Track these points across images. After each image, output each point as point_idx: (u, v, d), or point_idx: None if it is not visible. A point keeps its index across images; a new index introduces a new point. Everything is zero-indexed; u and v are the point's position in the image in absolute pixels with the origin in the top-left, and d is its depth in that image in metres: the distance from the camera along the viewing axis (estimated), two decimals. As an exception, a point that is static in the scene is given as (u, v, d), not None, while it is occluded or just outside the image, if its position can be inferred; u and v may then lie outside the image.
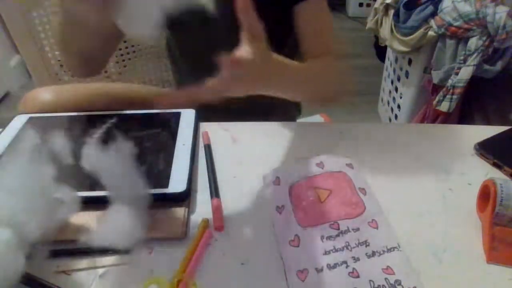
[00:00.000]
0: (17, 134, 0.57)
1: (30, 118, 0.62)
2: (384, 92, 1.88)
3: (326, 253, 0.42)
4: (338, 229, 0.44)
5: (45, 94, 0.69)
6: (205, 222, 0.46)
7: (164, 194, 0.48)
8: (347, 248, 0.42)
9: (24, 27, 0.85)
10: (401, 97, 1.63)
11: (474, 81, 1.30)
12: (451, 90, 1.32)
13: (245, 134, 0.61)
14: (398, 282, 0.39)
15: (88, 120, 0.63)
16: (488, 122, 1.37)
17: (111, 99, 0.73)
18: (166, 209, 0.47)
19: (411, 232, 0.46)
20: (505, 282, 0.41)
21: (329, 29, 0.69)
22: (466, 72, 1.26)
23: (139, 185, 0.44)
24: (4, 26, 0.85)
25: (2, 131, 0.59)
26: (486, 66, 1.26)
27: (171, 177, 0.50)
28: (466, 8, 1.21)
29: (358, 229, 0.44)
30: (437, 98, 1.36)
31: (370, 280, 0.39)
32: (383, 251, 0.42)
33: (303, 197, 0.48)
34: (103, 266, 0.41)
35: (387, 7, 1.50)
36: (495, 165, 0.55)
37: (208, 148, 0.57)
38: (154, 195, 0.46)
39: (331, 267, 0.41)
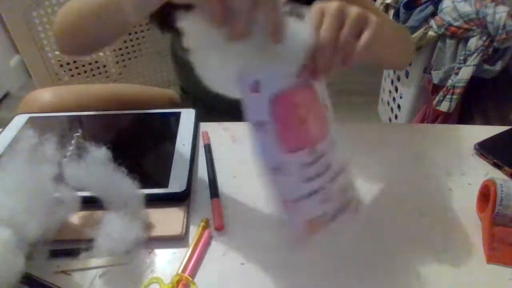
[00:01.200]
0: (17, 134, 0.57)
1: (30, 118, 0.62)
2: (384, 92, 1.88)
3: (306, 180, 0.38)
4: (316, 153, 0.39)
5: (45, 95, 0.69)
6: (205, 222, 0.46)
7: (164, 194, 0.48)
8: (322, 174, 0.38)
9: (24, 27, 0.86)
10: (401, 97, 1.63)
11: (474, 81, 1.30)
12: (451, 90, 1.32)
13: (245, 134, 0.61)
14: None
15: (88, 120, 0.63)
16: (488, 122, 1.37)
17: (112, 100, 0.73)
18: (166, 209, 0.47)
19: (411, 232, 0.46)
20: (505, 282, 0.41)
21: (371, 3, 0.67)
22: (466, 72, 1.26)
23: (129, 187, 0.44)
24: (4, 26, 0.85)
25: (2, 131, 0.59)
26: (486, 66, 1.26)
27: (171, 177, 0.50)
28: (466, 8, 1.21)
29: (327, 152, 0.39)
30: (437, 98, 1.36)
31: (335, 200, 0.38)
32: (339, 171, 0.40)
33: (287, 114, 0.39)
34: (103, 266, 0.41)
35: (387, 7, 1.50)
36: (495, 165, 0.55)
37: (208, 148, 0.57)
38: (154, 195, 0.47)
39: (309, 194, 0.38)
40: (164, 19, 0.60)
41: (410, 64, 1.52)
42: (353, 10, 0.40)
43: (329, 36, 0.38)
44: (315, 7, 0.40)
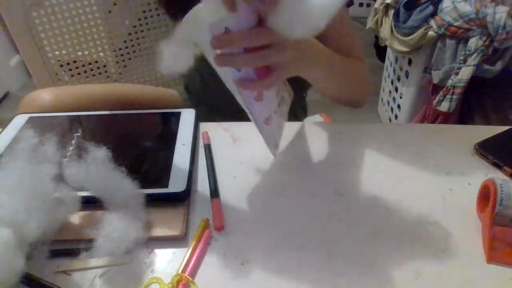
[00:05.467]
0: (17, 134, 0.57)
1: (30, 118, 0.62)
2: (384, 92, 1.88)
3: (277, 96, 0.49)
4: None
5: (45, 95, 0.69)
6: (205, 222, 0.46)
7: (164, 194, 0.48)
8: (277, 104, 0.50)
9: (24, 27, 0.85)
10: (401, 97, 1.63)
11: (474, 81, 1.30)
12: (451, 90, 1.32)
13: (245, 134, 0.61)
14: None
15: (88, 120, 0.63)
16: (488, 122, 1.37)
17: (112, 101, 0.73)
18: (166, 209, 0.47)
19: (411, 232, 0.46)
20: (505, 282, 0.41)
21: (354, 34, 0.69)
22: (466, 72, 1.26)
23: (129, 187, 0.44)
24: (4, 26, 0.85)
25: (2, 131, 0.59)
26: (486, 66, 1.26)
27: (171, 177, 0.50)
28: (466, 8, 1.21)
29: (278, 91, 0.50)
30: (437, 98, 1.36)
31: None
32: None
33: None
34: (103, 266, 0.41)
35: (387, 7, 1.50)
36: (495, 165, 0.55)
37: (208, 148, 0.57)
38: (154, 194, 0.47)
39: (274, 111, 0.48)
40: (176, 5, 0.60)
41: (410, 64, 1.52)
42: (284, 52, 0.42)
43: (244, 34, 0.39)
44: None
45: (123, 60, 1.01)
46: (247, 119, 0.63)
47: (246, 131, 0.62)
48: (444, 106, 1.35)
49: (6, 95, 2.07)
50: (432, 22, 1.29)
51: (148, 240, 0.43)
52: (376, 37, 2.02)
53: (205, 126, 0.62)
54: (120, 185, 0.44)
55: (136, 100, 0.77)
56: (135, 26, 0.98)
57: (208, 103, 0.81)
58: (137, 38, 0.99)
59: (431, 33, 1.30)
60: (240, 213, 0.48)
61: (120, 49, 0.99)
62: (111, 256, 0.41)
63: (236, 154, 0.57)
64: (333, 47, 0.57)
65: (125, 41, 0.99)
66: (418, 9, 1.32)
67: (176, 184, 0.49)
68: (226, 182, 0.52)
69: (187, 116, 0.62)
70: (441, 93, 1.35)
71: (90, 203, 0.45)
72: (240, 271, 0.42)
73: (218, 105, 0.81)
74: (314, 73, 0.53)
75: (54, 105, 0.67)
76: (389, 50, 1.76)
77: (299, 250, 0.44)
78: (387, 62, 1.82)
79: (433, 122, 1.42)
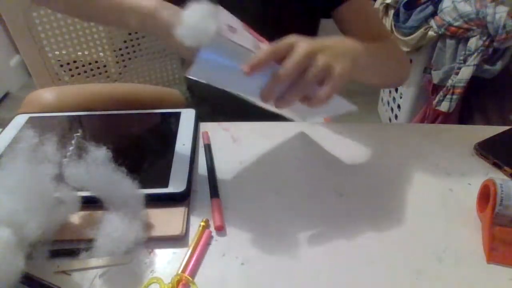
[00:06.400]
0: (17, 134, 0.57)
1: (30, 118, 0.62)
2: (384, 92, 1.88)
3: None
4: None
5: (47, 95, 0.69)
6: (205, 222, 0.46)
7: (164, 194, 0.48)
8: None
9: (24, 27, 0.85)
10: (401, 97, 1.63)
11: (474, 81, 1.30)
12: (451, 90, 1.32)
13: (245, 134, 0.61)
14: None
15: (88, 120, 0.63)
16: (488, 122, 1.37)
17: (114, 100, 0.73)
18: (166, 209, 0.47)
19: (411, 232, 0.46)
20: (505, 282, 0.41)
21: (378, 16, 0.69)
22: (466, 72, 1.27)
23: (129, 187, 0.44)
24: (4, 26, 0.85)
25: (2, 131, 0.59)
26: (486, 66, 1.26)
27: (171, 177, 0.50)
28: (466, 8, 1.21)
29: None
30: (437, 98, 1.36)
31: None
32: None
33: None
34: (103, 266, 0.41)
35: (387, 7, 1.50)
36: (495, 165, 0.55)
37: (208, 148, 0.57)
38: (154, 194, 0.47)
39: None
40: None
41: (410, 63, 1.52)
42: (321, 60, 0.42)
43: (287, 73, 0.41)
44: (289, 39, 0.43)
45: (123, 60, 1.01)
46: (249, 119, 0.64)
47: (246, 131, 0.62)
48: (444, 106, 1.35)
49: (6, 95, 2.07)
50: (432, 22, 1.29)
51: (148, 240, 0.43)
52: (376, 37, 2.02)
53: (205, 126, 0.62)
54: (120, 185, 0.44)
55: (136, 100, 0.77)
56: (135, 26, 0.98)
57: (212, 102, 0.81)
58: (137, 38, 0.99)
59: (431, 33, 1.30)
60: (240, 213, 0.48)
61: (120, 49, 0.99)
62: (111, 256, 0.41)
63: (236, 154, 0.57)
64: (362, 29, 0.55)
65: (125, 41, 0.99)
66: (418, 9, 1.32)
67: (176, 184, 0.49)
68: (226, 182, 0.52)
69: (187, 116, 0.62)
70: (441, 93, 1.35)
71: (90, 203, 0.45)
72: (240, 271, 0.42)
73: (222, 104, 0.81)
74: (359, 66, 0.51)
75: (56, 105, 0.67)
76: (389, 50, 1.76)
77: (299, 250, 0.44)
78: (387, 62, 1.82)
79: (433, 122, 1.43)
